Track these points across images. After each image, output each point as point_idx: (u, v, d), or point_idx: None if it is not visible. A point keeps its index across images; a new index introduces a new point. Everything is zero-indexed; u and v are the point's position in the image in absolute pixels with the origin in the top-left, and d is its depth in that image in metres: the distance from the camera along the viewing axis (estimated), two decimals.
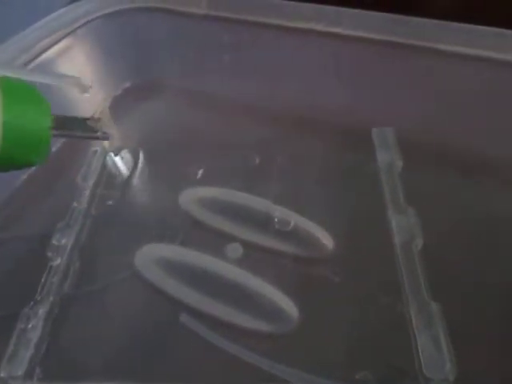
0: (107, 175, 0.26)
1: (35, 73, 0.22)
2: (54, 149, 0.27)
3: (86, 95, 0.21)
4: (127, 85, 0.32)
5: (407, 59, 0.26)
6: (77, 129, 0.18)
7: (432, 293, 0.19)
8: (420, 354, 0.18)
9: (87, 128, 0.18)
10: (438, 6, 0.34)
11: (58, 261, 0.21)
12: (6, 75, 0.17)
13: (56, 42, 0.28)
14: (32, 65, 0.26)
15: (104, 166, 0.26)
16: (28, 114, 0.15)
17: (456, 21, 0.26)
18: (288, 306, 0.20)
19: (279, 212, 0.24)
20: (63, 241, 0.22)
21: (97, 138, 0.19)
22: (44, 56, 0.27)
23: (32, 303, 0.20)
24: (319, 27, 0.26)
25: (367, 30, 0.26)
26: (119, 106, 0.31)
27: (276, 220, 0.23)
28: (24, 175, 0.26)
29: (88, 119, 0.18)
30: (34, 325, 0.19)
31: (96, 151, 0.27)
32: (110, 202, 0.25)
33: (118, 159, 0.27)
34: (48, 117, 0.16)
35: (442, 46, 0.25)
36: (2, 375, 0.18)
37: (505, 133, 0.25)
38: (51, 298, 0.20)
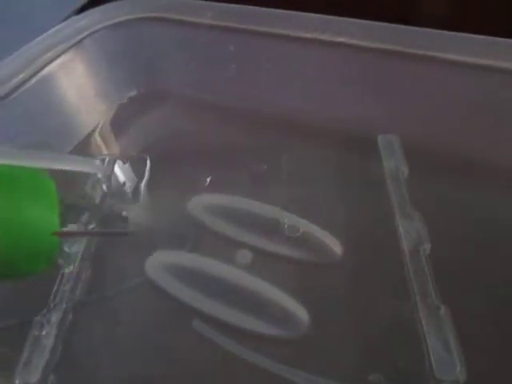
0: (115, 183, 0.26)
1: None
2: None
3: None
4: (132, 93, 0.32)
5: (411, 67, 0.26)
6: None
7: (441, 297, 0.20)
8: (431, 356, 0.18)
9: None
10: (436, 17, 0.35)
11: (70, 268, 0.22)
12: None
13: (61, 54, 0.28)
14: (36, 77, 0.26)
15: (112, 173, 0.27)
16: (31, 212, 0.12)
17: (453, 30, 0.26)
18: (298, 310, 0.21)
19: (288, 218, 0.24)
20: (74, 248, 0.22)
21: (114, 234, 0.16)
22: (49, 67, 0.27)
23: (45, 311, 0.20)
24: (324, 37, 0.27)
25: (371, 39, 0.26)
26: (125, 114, 0.31)
27: (285, 226, 0.24)
28: None
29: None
30: (47, 332, 0.19)
31: (104, 159, 0.27)
32: (119, 210, 0.25)
33: (126, 167, 0.27)
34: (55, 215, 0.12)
35: (444, 55, 0.25)
36: (17, 382, 0.18)
37: (507, 138, 0.25)
38: (64, 306, 0.20)
